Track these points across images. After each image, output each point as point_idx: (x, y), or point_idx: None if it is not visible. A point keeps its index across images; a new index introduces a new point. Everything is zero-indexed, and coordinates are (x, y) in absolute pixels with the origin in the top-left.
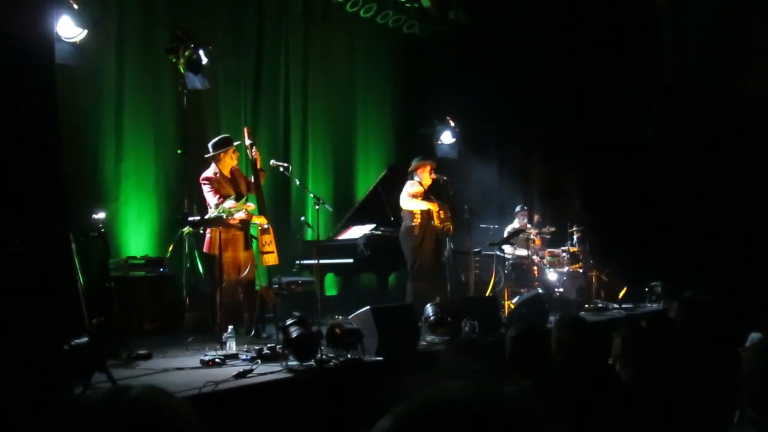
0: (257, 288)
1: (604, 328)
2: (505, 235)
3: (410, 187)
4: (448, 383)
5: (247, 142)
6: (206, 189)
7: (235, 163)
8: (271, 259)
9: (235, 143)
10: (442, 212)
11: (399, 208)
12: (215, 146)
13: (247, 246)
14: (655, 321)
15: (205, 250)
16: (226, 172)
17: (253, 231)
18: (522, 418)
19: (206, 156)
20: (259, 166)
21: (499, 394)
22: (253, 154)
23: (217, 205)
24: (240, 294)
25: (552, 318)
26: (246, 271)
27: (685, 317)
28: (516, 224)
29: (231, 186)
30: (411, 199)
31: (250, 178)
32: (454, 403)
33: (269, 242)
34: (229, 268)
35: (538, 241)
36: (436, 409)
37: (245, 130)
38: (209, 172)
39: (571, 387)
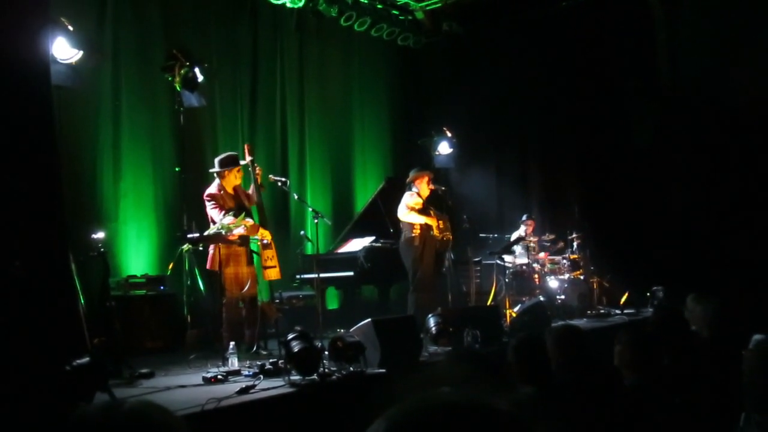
0: (258, 303)
1: (607, 334)
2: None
3: (408, 199)
4: (439, 389)
5: (248, 158)
6: (210, 205)
7: (238, 181)
8: (273, 273)
9: (242, 162)
10: (441, 222)
11: (398, 220)
12: (222, 163)
13: (250, 261)
14: (658, 326)
15: (207, 266)
16: (230, 189)
17: (253, 246)
18: (513, 423)
19: (211, 171)
20: (259, 182)
21: (490, 399)
22: (255, 170)
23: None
24: (242, 310)
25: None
26: (248, 287)
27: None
28: (521, 233)
29: (234, 202)
30: (409, 212)
31: (253, 194)
32: (445, 408)
33: (271, 257)
34: (231, 284)
35: (538, 249)
36: (428, 413)
37: (246, 147)
38: (213, 189)
39: (574, 393)
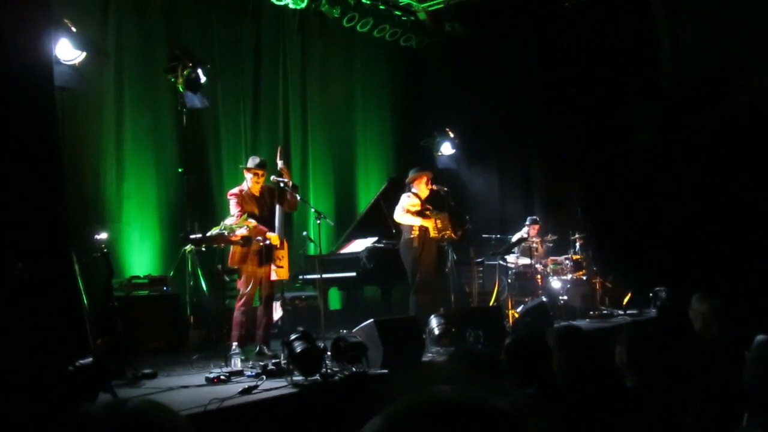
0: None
1: (610, 334)
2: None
3: (404, 201)
4: (436, 387)
5: (278, 162)
6: (232, 203)
7: (258, 185)
8: (282, 273)
9: (263, 169)
10: (438, 222)
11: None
12: (250, 162)
13: (262, 262)
14: (659, 326)
15: (228, 264)
16: (255, 191)
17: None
18: (507, 421)
19: (240, 167)
20: (290, 184)
21: (485, 397)
22: (282, 174)
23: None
24: (257, 309)
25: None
26: (263, 286)
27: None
28: (524, 234)
29: (255, 204)
30: (404, 213)
31: (290, 198)
32: (439, 405)
33: (282, 257)
34: (248, 282)
35: (541, 250)
36: (425, 410)
37: (279, 149)
38: (236, 188)
39: (575, 394)
